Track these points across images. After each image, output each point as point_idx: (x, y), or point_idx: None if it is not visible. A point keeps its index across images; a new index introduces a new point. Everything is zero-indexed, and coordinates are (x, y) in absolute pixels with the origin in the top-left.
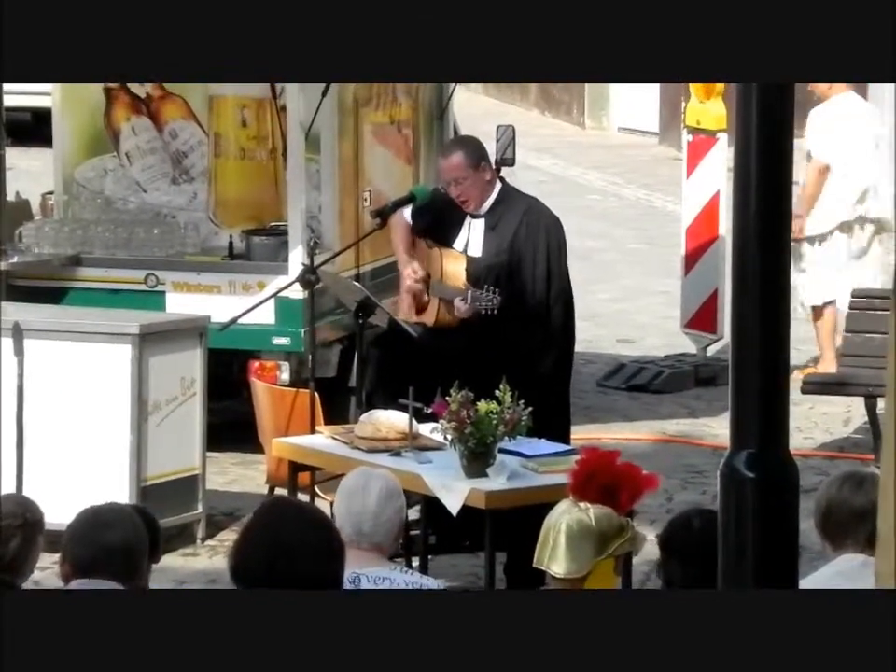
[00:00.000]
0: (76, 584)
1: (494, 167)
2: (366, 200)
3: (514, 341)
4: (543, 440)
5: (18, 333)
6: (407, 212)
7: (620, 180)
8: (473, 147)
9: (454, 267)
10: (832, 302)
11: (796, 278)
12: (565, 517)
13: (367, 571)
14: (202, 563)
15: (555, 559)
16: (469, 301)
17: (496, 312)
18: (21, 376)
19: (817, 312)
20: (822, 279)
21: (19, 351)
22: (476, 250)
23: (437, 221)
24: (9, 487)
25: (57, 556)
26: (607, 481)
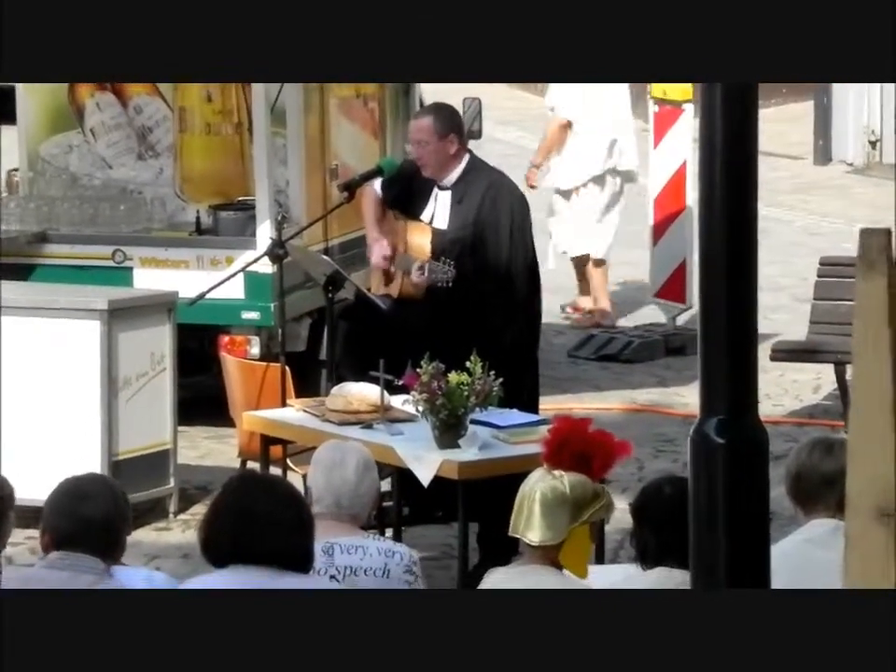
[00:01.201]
0: (54, 556)
1: (463, 141)
2: (333, 174)
3: (478, 313)
4: (515, 410)
5: None
6: (377, 184)
7: None
8: (445, 117)
9: (419, 240)
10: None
11: (554, 229)
12: (539, 485)
13: (340, 540)
14: (174, 537)
15: (531, 527)
16: (425, 273)
17: (450, 284)
18: None
19: (582, 261)
20: (582, 230)
21: None
22: (442, 223)
23: (405, 192)
24: None
25: (29, 532)
26: (580, 448)
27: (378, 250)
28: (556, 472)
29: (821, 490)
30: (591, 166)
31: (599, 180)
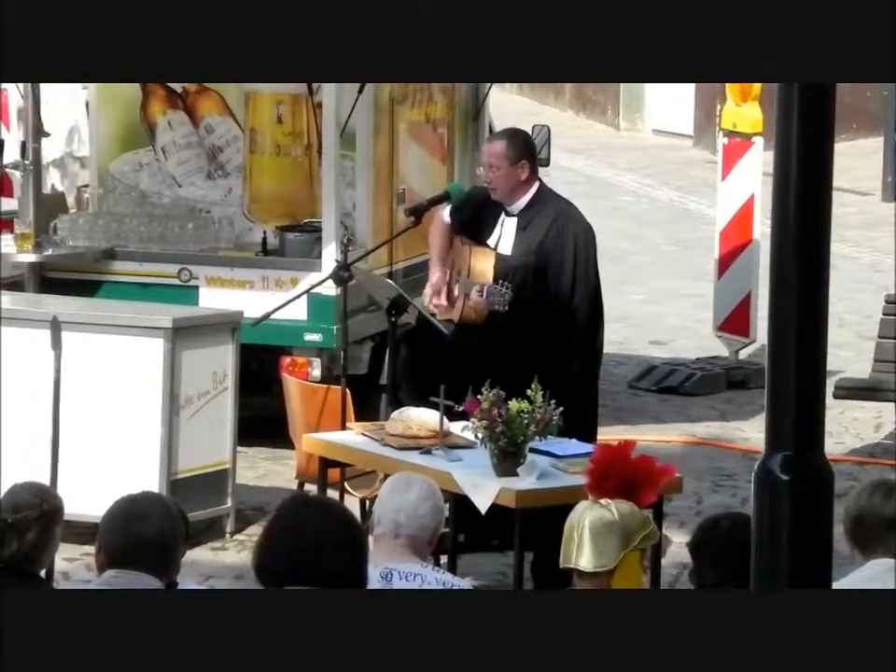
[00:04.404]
0: (109, 574)
1: (535, 169)
2: (400, 198)
3: (537, 341)
4: (574, 440)
5: (56, 327)
6: (446, 211)
7: (653, 182)
8: (519, 143)
9: (482, 265)
10: None
11: None
12: (588, 513)
13: (399, 567)
14: (230, 557)
15: (583, 554)
16: (483, 296)
17: (506, 308)
18: (58, 370)
19: None
20: None
21: (56, 345)
22: (506, 249)
23: (473, 217)
24: (44, 479)
25: (86, 548)
26: (624, 476)
27: (435, 300)
28: (603, 500)
29: (883, 533)
30: None
31: None
